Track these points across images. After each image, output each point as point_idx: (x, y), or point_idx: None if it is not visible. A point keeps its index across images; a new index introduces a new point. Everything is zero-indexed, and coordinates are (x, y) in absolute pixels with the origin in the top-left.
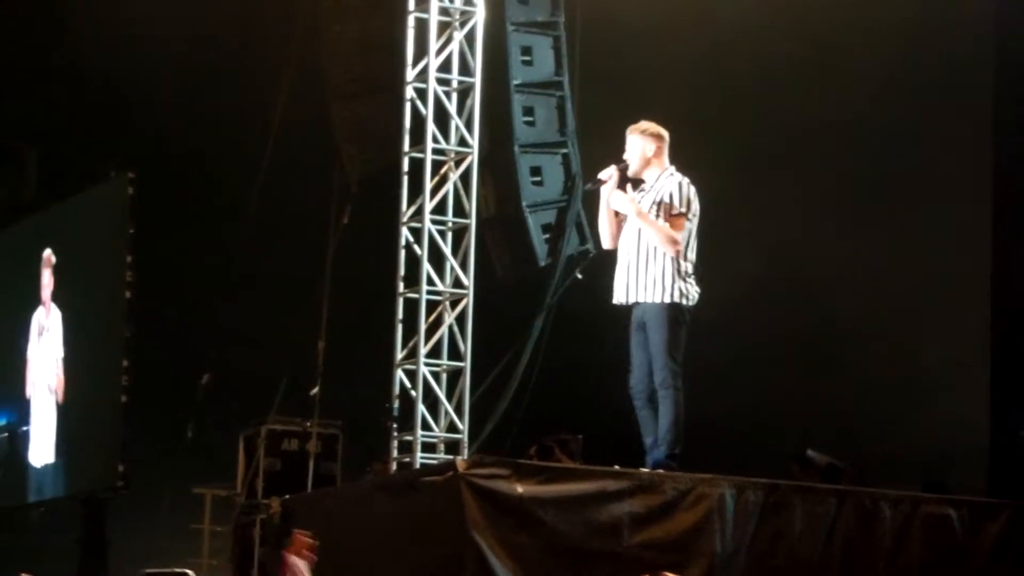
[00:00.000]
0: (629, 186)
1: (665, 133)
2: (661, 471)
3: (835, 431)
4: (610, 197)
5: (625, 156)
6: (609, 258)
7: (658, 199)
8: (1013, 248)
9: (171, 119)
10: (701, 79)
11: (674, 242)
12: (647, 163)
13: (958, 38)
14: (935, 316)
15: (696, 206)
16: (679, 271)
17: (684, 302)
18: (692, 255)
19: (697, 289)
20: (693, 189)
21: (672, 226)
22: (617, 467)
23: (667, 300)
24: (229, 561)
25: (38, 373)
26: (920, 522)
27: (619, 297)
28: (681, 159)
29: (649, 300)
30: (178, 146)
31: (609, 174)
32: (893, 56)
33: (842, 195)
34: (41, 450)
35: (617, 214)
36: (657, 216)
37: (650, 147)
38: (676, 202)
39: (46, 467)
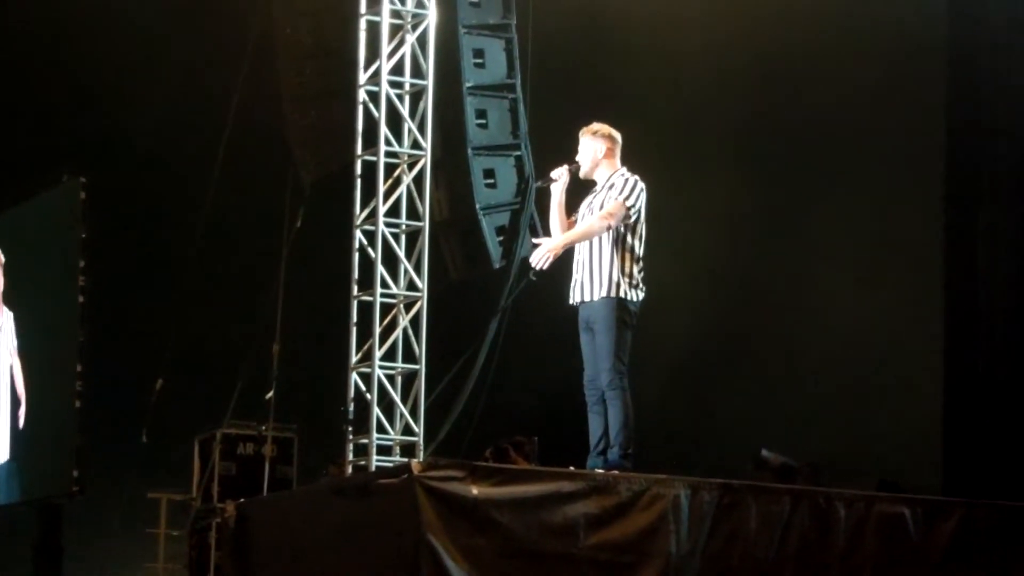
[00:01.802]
0: (559, 198)
1: (617, 135)
2: (616, 472)
3: (789, 431)
4: (558, 200)
5: (577, 158)
6: (563, 260)
7: (605, 194)
8: (965, 245)
9: (123, 123)
10: (654, 81)
11: (604, 219)
12: (597, 164)
13: (910, 42)
14: (888, 313)
15: (639, 202)
16: (623, 271)
17: (629, 299)
18: (639, 255)
19: (642, 289)
20: (641, 186)
21: (605, 207)
22: (572, 468)
23: (612, 296)
24: (185, 566)
25: None
26: (874, 521)
27: (571, 298)
28: (632, 160)
29: (594, 298)
30: (129, 150)
31: (560, 173)
32: (843, 58)
33: (796, 194)
34: None
35: (569, 215)
36: (602, 209)
37: (601, 148)
38: (616, 191)
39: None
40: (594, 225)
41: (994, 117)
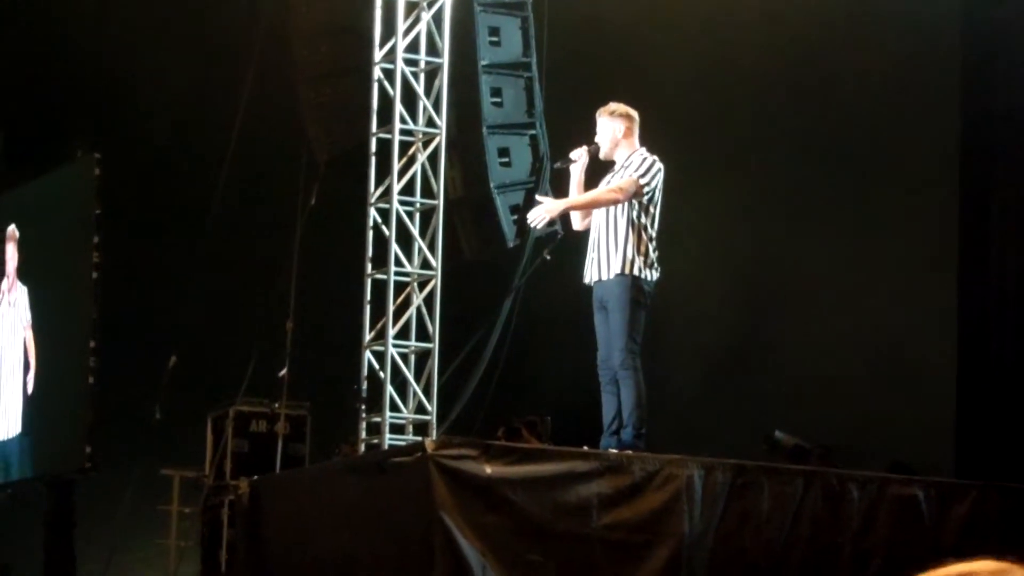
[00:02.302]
0: (579, 179)
1: (634, 113)
2: (629, 452)
3: (803, 412)
4: (577, 182)
5: (596, 139)
6: (577, 239)
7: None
8: (979, 230)
9: (138, 99)
10: (669, 63)
11: (615, 192)
12: (617, 144)
13: (924, 42)
14: (902, 297)
15: (655, 181)
16: (638, 250)
17: (643, 279)
18: (653, 235)
19: (657, 269)
20: (659, 166)
21: (618, 182)
22: (586, 448)
23: (626, 274)
24: (197, 543)
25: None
26: (888, 503)
27: (586, 277)
28: (648, 142)
29: (608, 277)
30: (144, 126)
31: (579, 154)
32: (856, 57)
33: (811, 181)
34: (7, 423)
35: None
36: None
37: (620, 128)
38: (632, 168)
39: (11, 441)
40: (601, 196)
41: (1009, 104)
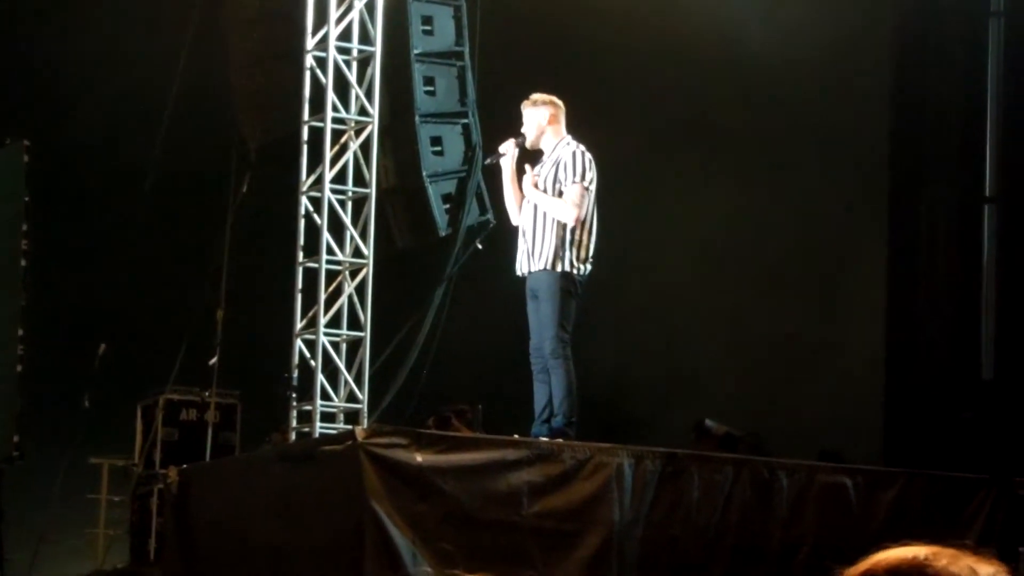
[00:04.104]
0: (527, 165)
1: (558, 101)
2: (560, 440)
3: (732, 400)
4: (509, 175)
5: (522, 130)
6: (509, 228)
7: (555, 170)
8: (908, 219)
9: (69, 85)
10: (602, 52)
11: (572, 208)
12: (543, 132)
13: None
14: (830, 285)
15: (591, 174)
16: (572, 241)
17: (575, 272)
18: (592, 228)
19: (591, 263)
20: (589, 157)
21: (568, 195)
22: (516, 436)
23: (557, 269)
24: (127, 532)
25: None
26: (816, 491)
27: (518, 268)
28: (581, 133)
29: (539, 269)
30: (74, 114)
31: (507, 148)
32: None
33: (745, 167)
34: None
35: (521, 188)
36: (554, 185)
37: (544, 115)
38: (571, 172)
39: None
40: (565, 211)
41: (936, 90)
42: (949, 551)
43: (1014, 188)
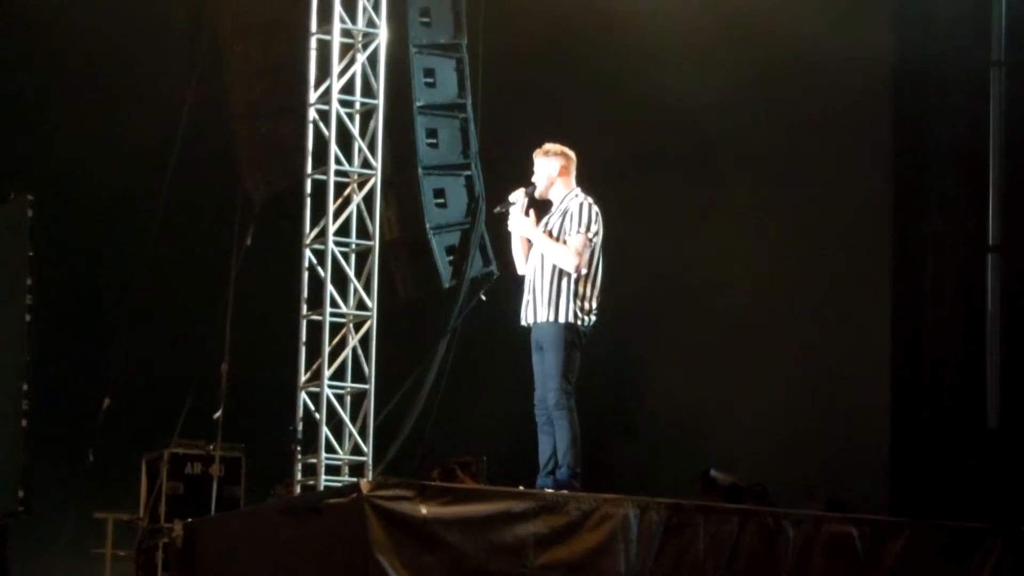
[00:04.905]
0: (532, 211)
1: (571, 153)
2: (565, 491)
3: (738, 450)
4: (511, 222)
5: (532, 179)
6: (512, 280)
7: (562, 220)
8: (912, 261)
9: (72, 141)
10: (606, 100)
11: (574, 256)
12: (552, 183)
13: (860, 54)
14: (836, 334)
15: (596, 227)
16: (575, 293)
17: (579, 323)
18: (596, 280)
19: (595, 314)
20: (596, 210)
21: (571, 243)
22: (521, 488)
23: (561, 320)
24: None
25: None
26: (823, 541)
27: (522, 319)
28: (585, 181)
29: (544, 320)
30: (79, 168)
31: (517, 197)
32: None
33: (743, 207)
34: None
35: (528, 239)
36: (560, 235)
37: (555, 167)
38: (575, 222)
39: None
40: (566, 259)
41: (938, 139)
42: None
43: (1018, 237)
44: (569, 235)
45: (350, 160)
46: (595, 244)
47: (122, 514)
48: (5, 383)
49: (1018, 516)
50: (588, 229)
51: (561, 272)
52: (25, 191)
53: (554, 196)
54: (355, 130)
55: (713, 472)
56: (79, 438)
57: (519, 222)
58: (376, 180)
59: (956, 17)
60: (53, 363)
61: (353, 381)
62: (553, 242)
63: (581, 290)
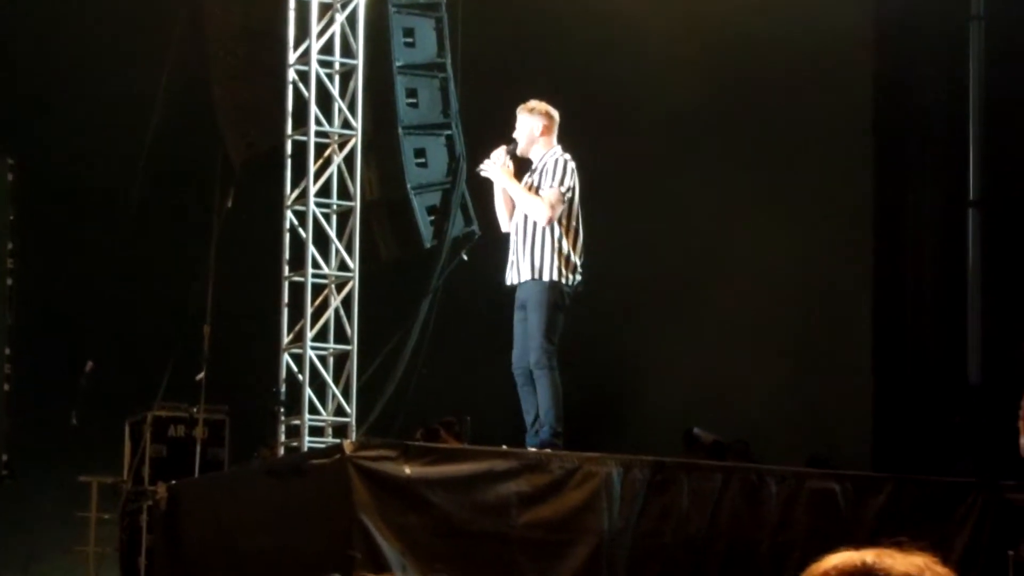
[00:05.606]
0: (510, 160)
1: (555, 113)
2: (548, 450)
3: (721, 407)
4: (488, 169)
5: (514, 135)
6: (494, 239)
7: (539, 177)
8: (893, 222)
9: (53, 103)
10: (585, 61)
11: (546, 208)
12: (534, 141)
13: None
14: (818, 293)
15: (571, 182)
16: (557, 250)
17: (563, 282)
18: (577, 236)
19: (580, 272)
20: (572, 166)
21: (544, 195)
22: (504, 447)
23: (544, 279)
24: (116, 549)
25: None
26: (805, 497)
27: (507, 278)
28: (565, 140)
29: (528, 279)
30: (59, 130)
31: (498, 155)
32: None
33: (724, 172)
34: None
35: (511, 197)
36: (536, 191)
37: (538, 125)
38: (550, 177)
39: None
40: (539, 210)
41: (918, 95)
42: (892, 551)
43: (997, 192)
44: (543, 189)
45: (330, 121)
46: (571, 199)
47: (106, 477)
48: None
49: (999, 471)
50: (562, 183)
51: (544, 231)
52: (5, 154)
53: (534, 155)
54: (335, 91)
55: (696, 430)
56: (62, 402)
57: (495, 171)
58: (356, 140)
59: None
60: (35, 327)
61: (336, 342)
62: (527, 193)
63: (565, 248)
